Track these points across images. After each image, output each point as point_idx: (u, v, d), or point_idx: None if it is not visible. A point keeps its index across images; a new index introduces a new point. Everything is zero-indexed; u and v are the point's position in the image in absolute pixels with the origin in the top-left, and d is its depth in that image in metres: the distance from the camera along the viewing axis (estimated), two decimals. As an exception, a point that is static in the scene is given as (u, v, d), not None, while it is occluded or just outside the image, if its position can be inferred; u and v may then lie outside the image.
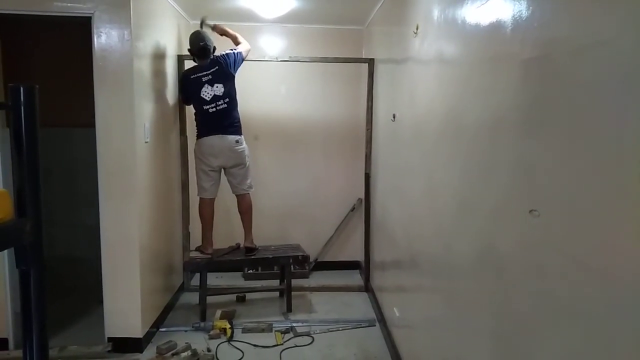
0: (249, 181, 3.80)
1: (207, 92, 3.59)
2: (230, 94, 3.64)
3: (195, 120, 3.71)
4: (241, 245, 3.91)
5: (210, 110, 3.60)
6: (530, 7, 1.30)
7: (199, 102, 3.62)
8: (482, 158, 1.63)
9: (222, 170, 3.74)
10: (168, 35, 3.69)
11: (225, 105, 3.61)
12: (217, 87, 3.60)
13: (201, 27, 3.77)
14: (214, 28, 3.84)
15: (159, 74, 3.46)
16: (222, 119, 3.61)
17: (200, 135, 3.66)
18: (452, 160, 1.96)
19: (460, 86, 1.89)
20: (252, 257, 3.82)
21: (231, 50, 3.72)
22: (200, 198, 3.76)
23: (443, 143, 2.09)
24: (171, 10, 3.79)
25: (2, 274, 2.96)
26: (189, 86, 3.67)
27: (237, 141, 3.64)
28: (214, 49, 3.68)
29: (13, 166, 1.08)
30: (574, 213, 1.10)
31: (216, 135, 3.60)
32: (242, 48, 3.76)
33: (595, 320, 1.02)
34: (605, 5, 1.02)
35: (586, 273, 1.05)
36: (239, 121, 3.71)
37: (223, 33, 3.85)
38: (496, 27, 1.52)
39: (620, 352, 0.96)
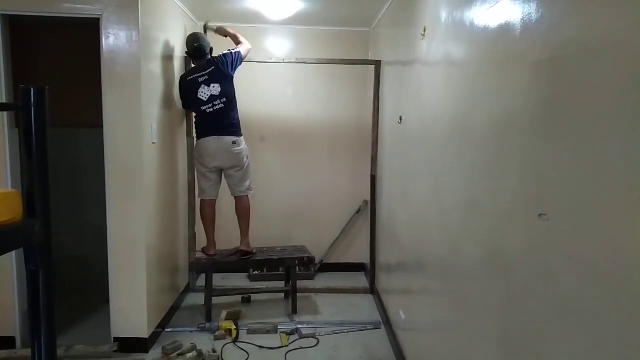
0: (247, 183, 3.73)
1: (204, 92, 3.57)
2: (227, 94, 3.60)
3: (195, 122, 3.70)
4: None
5: (208, 110, 3.57)
6: (540, 10, 1.29)
7: (197, 103, 3.59)
8: (491, 160, 1.63)
9: (222, 172, 3.72)
10: (176, 36, 3.71)
11: (223, 105, 3.57)
12: (213, 87, 3.57)
13: (205, 32, 3.86)
14: (217, 31, 3.90)
15: (166, 75, 3.47)
16: (220, 119, 3.57)
17: (198, 136, 3.65)
18: (459, 162, 1.95)
19: (468, 88, 1.88)
20: (254, 259, 3.78)
21: (229, 50, 3.70)
22: (200, 200, 3.77)
23: (450, 145, 2.08)
24: (179, 12, 3.80)
25: (9, 273, 2.98)
26: (186, 88, 3.67)
27: (234, 142, 3.59)
28: (211, 49, 3.71)
29: (22, 167, 1.08)
30: (583, 216, 1.09)
31: (213, 137, 3.57)
32: (242, 48, 3.75)
33: (604, 324, 1.01)
34: (615, 6, 1.01)
35: (595, 276, 1.04)
36: (238, 122, 3.67)
37: (225, 34, 3.88)
38: (505, 29, 1.51)
39: (630, 356, 0.95)
